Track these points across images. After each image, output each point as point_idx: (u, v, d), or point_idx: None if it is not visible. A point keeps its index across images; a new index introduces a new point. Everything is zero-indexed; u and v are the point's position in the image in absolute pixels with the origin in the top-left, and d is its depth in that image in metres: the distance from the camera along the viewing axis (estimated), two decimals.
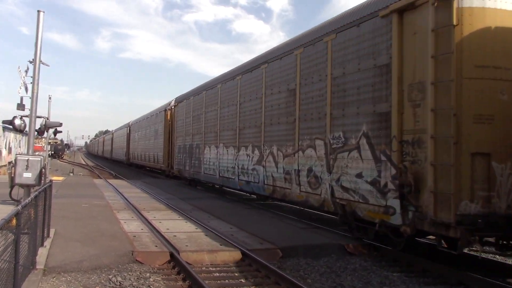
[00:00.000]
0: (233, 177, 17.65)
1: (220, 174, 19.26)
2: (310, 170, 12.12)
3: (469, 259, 9.29)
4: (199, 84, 25.98)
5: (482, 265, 8.79)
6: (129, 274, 7.92)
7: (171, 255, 9.05)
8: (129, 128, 50.84)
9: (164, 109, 32.23)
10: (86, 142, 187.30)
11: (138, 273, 8.03)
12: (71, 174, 36.93)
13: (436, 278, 8.29)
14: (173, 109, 29.58)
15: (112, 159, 68.44)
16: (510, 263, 9.37)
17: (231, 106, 18.36)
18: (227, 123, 18.78)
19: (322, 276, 8.29)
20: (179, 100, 28.05)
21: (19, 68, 13.59)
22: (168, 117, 30.79)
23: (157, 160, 34.05)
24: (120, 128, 62.33)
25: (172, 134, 29.48)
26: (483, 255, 9.12)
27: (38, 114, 13.57)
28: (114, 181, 28.99)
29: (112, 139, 69.51)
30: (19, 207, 6.15)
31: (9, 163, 17.08)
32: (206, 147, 21.39)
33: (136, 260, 8.77)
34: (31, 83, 12.98)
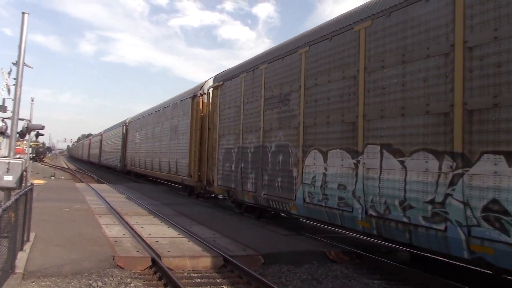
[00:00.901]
0: (434, 225, 7.95)
1: (371, 211, 9.44)
2: None
3: (451, 267, 9.41)
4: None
5: (462, 273, 8.92)
6: (110, 279, 7.85)
7: (153, 260, 9.00)
8: (126, 127, 42.21)
9: (192, 95, 22.74)
10: (68, 146, 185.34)
11: (119, 278, 7.97)
12: (53, 177, 36.44)
13: (417, 286, 8.39)
14: (211, 93, 20.31)
15: (101, 165, 60.61)
16: (490, 272, 9.52)
17: (412, 62, 8.67)
18: (402, 101, 8.81)
19: (304, 283, 8.33)
20: (226, 77, 17.94)
21: (1, 69, 13.46)
22: (200, 106, 21.83)
23: (176, 169, 24.66)
24: (113, 127, 52.03)
25: (209, 131, 20.21)
26: (463, 264, 9.23)
27: (20, 116, 13.42)
28: (96, 185, 28.69)
29: (101, 141, 61.71)
30: (0, 210, 6.08)
31: None
32: (312, 153, 11.67)
33: (117, 265, 8.71)
34: (14, 85, 12.85)
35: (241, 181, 15.72)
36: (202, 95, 21.84)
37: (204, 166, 20.86)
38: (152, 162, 30.73)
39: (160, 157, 28.61)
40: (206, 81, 21.71)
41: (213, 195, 21.31)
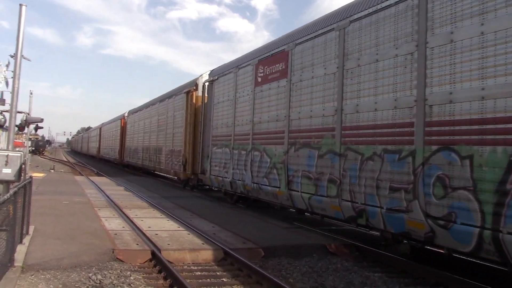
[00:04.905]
0: None
1: None
2: None
3: (449, 260, 9.40)
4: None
5: (460, 266, 8.91)
6: (110, 272, 7.84)
7: (153, 253, 8.98)
8: (100, 130, 60.77)
9: (99, 127, 48.58)
10: (68, 139, 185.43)
11: (119, 271, 7.95)
12: (52, 170, 36.44)
13: (416, 279, 8.37)
14: (127, 118, 42.65)
15: (88, 155, 65.19)
16: (487, 264, 9.50)
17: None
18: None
19: (304, 276, 8.32)
20: (134, 111, 39.40)
21: None
22: (123, 124, 43.58)
23: (91, 149, 52.88)
24: (93, 129, 73.56)
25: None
26: (461, 256, 9.22)
27: (18, 109, 13.38)
28: (95, 179, 28.67)
29: (88, 137, 65.68)
30: None
31: None
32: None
33: (117, 258, 8.68)
34: (12, 77, 12.79)
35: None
36: (122, 119, 40.93)
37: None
38: (109, 152, 50.84)
39: (111, 150, 48.23)
40: (126, 112, 39.79)
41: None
